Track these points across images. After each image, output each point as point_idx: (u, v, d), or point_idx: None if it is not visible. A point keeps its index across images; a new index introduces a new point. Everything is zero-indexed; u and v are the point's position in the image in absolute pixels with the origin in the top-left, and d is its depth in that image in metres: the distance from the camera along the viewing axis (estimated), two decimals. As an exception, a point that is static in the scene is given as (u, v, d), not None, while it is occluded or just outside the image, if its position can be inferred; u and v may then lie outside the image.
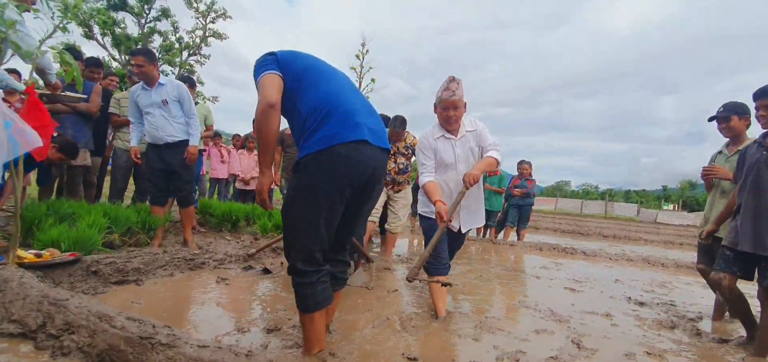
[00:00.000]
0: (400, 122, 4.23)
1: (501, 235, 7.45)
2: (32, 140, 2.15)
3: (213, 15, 22.27)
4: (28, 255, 2.37)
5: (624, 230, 12.97)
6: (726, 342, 2.47)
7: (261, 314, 2.40)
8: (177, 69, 22.14)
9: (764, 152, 2.26)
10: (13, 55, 2.29)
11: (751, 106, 2.48)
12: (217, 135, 7.41)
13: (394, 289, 3.11)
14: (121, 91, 5.01)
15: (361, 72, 15.72)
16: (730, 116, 2.84)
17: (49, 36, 2.35)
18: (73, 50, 3.98)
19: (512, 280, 3.95)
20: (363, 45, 15.56)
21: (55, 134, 3.26)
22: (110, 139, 4.72)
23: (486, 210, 6.85)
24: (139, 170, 4.58)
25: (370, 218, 4.09)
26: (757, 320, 2.38)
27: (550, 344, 2.24)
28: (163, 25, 21.94)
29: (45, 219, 3.03)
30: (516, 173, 7.32)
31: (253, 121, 1.71)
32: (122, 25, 20.37)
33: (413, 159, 4.51)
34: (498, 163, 2.59)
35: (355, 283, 3.16)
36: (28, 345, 1.63)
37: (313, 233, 1.63)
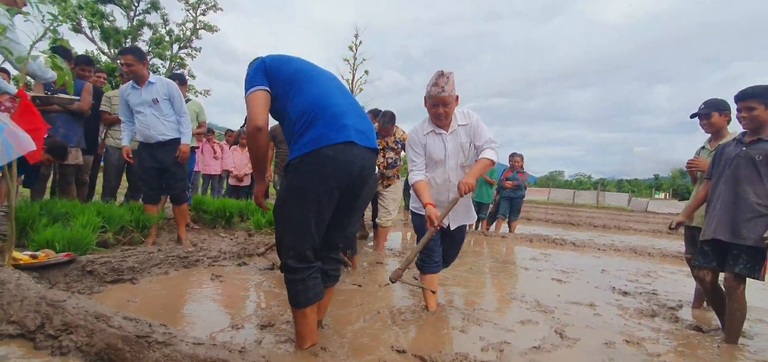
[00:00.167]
0: (389, 118, 4.29)
1: (492, 227, 7.55)
2: (26, 144, 2.17)
3: (203, 7, 21.98)
4: (23, 256, 2.41)
5: (614, 220, 13.16)
6: (702, 330, 2.59)
7: (255, 310, 2.46)
8: (168, 62, 21.89)
9: (743, 148, 2.36)
10: (4, 61, 2.30)
11: (734, 105, 2.57)
12: (210, 131, 7.41)
13: (386, 284, 3.19)
14: (111, 85, 5.00)
15: (354, 64, 15.72)
16: (710, 113, 2.94)
17: (40, 39, 2.36)
18: (62, 49, 3.97)
19: (502, 272, 4.05)
20: (356, 37, 15.56)
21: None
22: (102, 136, 4.73)
23: (477, 202, 6.96)
24: (131, 167, 4.59)
25: None
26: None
27: (534, 334, 2.33)
28: (153, 18, 21.64)
29: (39, 219, 3.06)
30: (508, 165, 7.41)
31: (246, 117, 1.78)
32: (111, 18, 20.06)
33: (403, 153, 4.58)
34: (494, 163, 2.46)
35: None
36: (27, 346, 1.68)
37: (304, 232, 1.70)
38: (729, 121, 2.97)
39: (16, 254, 2.39)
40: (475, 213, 2.80)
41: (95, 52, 19.07)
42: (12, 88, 2.64)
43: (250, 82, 1.76)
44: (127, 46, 12.91)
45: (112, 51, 19.51)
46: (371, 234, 5.18)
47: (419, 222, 2.62)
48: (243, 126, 7.29)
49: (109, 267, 2.69)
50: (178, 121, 3.67)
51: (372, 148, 1.82)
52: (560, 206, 22.39)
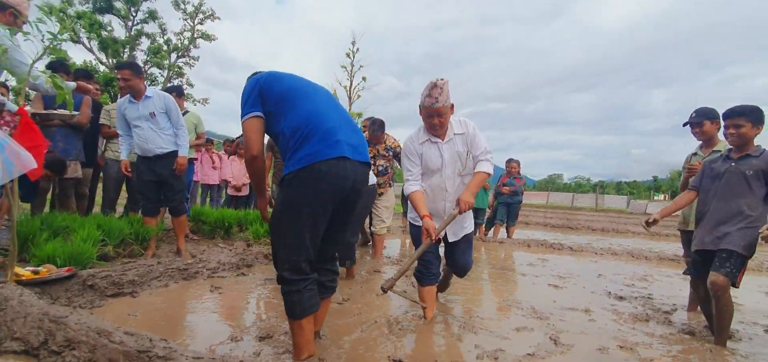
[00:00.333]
0: (379, 126, 4.35)
1: (491, 233, 7.59)
2: (27, 162, 2.21)
3: (201, 16, 22.11)
4: (25, 272, 2.44)
5: (613, 223, 13.20)
6: (694, 334, 2.63)
7: (254, 322, 2.50)
8: (166, 71, 21.99)
9: (732, 164, 2.47)
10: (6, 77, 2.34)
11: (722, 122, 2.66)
12: (208, 140, 7.44)
13: (378, 293, 3.21)
14: (109, 95, 5.05)
15: (352, 70, 15.80)
16: (702, 121, 3.04)
17: (40, 58, 2.41)
18: (61, 63, 4.02)
19: (499, 278, 4.08)
20: (353, 44, 15.64)
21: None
22: (102, 149, 4.77)
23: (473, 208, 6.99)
24: (131, 180, 4.63)
25: None
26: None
27: (528, 341, 2.36)
28: (151, 28, 21.76)
29: (39, 233, 3.09)
30: (504, 170, 7.47)
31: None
32: (109, 28, 20.17)
33: (394, 161, 4.63)
34: (490, 176, 2.49)
35: None
36: (30, 362, 1.71)
37: (299, 245, 1.75)
38: (719, 128, 3.04)
39: (18, 270, 2.43)
40: (472, 223, 2.82)
41: (93, 63, 19.15)
42: (12, 106, 2.69)
43: (245, 107, 1.83)
44: (124, 60, 12.97)
45: (111, 61, 19.59)
46: (371, 242, 5.22)
47: (417, 233, 2.63)
48: (240, 136, 7.33)
49: (110, 281, 2.73)
50: (176, 134, 3.72)
51: (364, 161, 1.87)
52: (559, 209, 22.44)
